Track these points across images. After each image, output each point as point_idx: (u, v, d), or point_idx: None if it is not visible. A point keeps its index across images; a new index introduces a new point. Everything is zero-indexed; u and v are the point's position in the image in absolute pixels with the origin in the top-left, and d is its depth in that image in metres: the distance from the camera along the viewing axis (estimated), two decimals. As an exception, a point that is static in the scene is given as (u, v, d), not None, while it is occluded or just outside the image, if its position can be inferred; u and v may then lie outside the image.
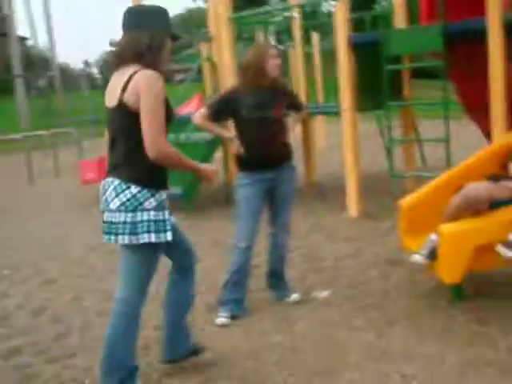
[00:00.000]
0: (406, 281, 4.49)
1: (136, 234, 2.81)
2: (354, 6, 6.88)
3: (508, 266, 4.21)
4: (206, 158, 7.63)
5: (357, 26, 9.04)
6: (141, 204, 2.80)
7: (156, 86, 2.76)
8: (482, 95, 6.13)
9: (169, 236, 2.88)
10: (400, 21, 7.18)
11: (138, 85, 2.75)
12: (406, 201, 4.36)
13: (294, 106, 4.29)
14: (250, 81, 4.01)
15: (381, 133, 8.92)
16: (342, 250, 5.43)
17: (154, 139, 2.72)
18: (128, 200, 2.80)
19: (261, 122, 3.99)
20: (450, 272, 3.64)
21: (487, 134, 6.64)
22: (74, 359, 3.67)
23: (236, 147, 4.07)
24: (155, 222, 2.83)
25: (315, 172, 9.22)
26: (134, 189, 2.81)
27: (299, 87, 8.72)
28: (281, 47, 8.66)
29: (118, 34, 3.02)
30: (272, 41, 8.47)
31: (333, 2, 6.57)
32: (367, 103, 6.90)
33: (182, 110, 9.20)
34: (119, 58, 2.89)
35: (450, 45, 5.90)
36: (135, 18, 2.89)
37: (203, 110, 4.12)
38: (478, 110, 7.20)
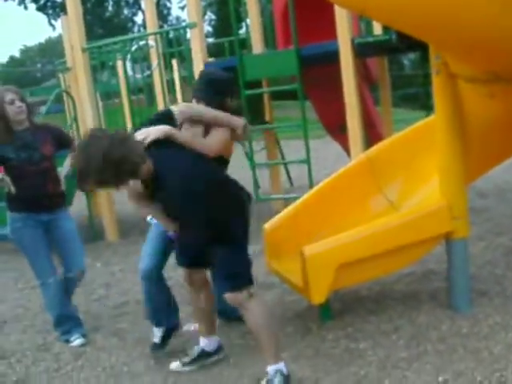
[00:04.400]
0: (277, 304, 4.47)
1: None
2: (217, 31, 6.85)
3: (371, 279, 4.33)
4: (70, 191, 7.30)
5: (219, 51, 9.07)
6: None
7: None
8: (339, 115, 6.34)
9: None
10: (257, 46, 7.30)
11: None
12: (269, 224, 4.36)
13: (64, 142, 4.30)
14: (3, 130, 3.98)
15: (246, 156, 8.98)
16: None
17: None
18: None
19: (29, 162, 3.99)
20: (316, 293, 3.64)
21: (348, 152, 6.87)
22: None
23: (8, 186, 3.98)
24: None
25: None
26: None
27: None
28: (139, 76, 8.47)
29: None
30: (130, 69, 8.20)
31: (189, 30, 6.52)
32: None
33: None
34: None
35: (306, 67, 6.06)
36: None
37: None
38: (337, 129, 7.47)
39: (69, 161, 4.32)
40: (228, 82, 3.72)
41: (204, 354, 3.60)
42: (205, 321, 3.58)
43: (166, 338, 3.84)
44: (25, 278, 5.91)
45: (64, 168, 4.31)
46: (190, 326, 4.22)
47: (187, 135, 3.26)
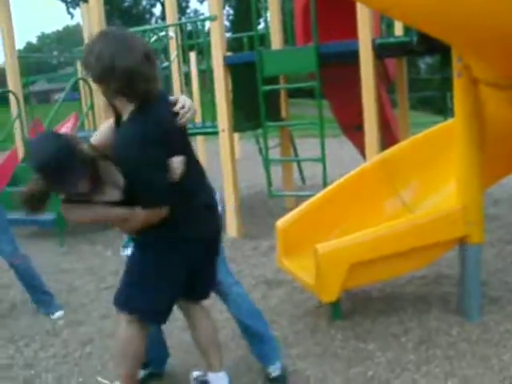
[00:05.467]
0: (287, 301, 4.46)
1: None
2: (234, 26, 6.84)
3: (383, 280, 4.32)
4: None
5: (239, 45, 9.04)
6: None
7: None
8: (355, 115, 6.31)
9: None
10: (276, 42, 7.28)
11: None
12: (282, 221, 4.34)
13: None
14: None
15: (260, 152, 8.97)
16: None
17: None
18: None
19: None
20: (327, 291, 3.64)
21: (362, 152, 6.84)
22: None
23: None
24: None
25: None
26: None
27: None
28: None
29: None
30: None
31: (208, 22, 6.50)
32: (246, 123, 6.91)
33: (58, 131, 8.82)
34: None
35: (325, 65, 6.03)
36: None
37: None
38: (352, 128, 7.44)
39: None
40: None
41: None
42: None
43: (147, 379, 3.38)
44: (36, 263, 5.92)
45: None
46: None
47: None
